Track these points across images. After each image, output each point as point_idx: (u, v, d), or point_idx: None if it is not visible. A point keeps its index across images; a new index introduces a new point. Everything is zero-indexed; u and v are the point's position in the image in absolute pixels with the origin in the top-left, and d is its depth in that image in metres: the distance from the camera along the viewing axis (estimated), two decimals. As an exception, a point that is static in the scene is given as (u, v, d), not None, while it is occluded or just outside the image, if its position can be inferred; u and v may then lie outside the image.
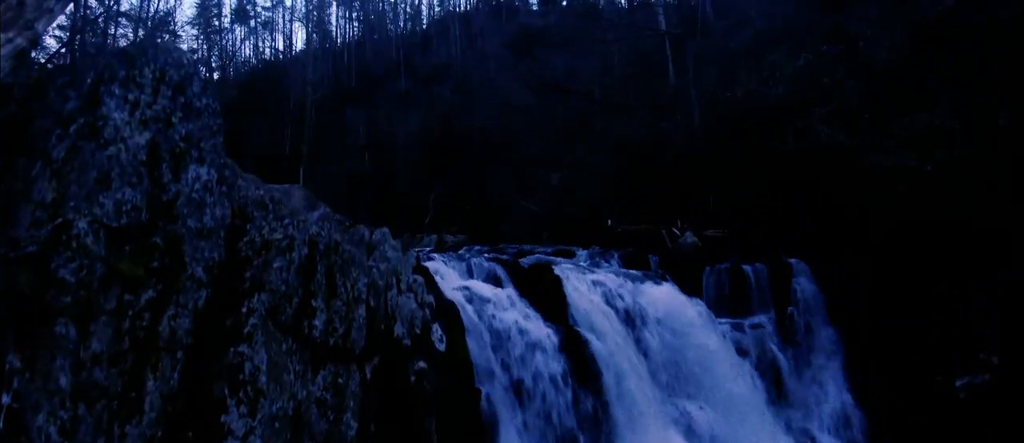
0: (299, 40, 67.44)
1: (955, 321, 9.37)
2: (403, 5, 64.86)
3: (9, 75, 3.60)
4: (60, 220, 3.11)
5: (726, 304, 9.88)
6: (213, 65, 59.41)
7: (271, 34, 65.90)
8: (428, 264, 7.04)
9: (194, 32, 59.25)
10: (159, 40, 49.73)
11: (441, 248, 14.61)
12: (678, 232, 10.61)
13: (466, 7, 60.58)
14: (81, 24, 32.04)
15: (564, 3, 46.33)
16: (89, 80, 3.56)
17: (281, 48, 65.61)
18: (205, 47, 55.69)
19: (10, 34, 3.35)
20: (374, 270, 5.21)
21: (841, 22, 15.08)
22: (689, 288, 9.81)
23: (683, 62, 20.63)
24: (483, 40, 50.04)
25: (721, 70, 20.90)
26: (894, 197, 9.57)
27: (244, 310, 3.79)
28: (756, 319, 9.80)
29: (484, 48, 47.55)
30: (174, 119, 3.80)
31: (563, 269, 7.76)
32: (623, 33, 21.58)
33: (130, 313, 3.22)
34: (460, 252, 9.12)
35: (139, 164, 3.48)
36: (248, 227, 4.07)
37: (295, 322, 4.19)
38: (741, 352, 9.24)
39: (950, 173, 9.18)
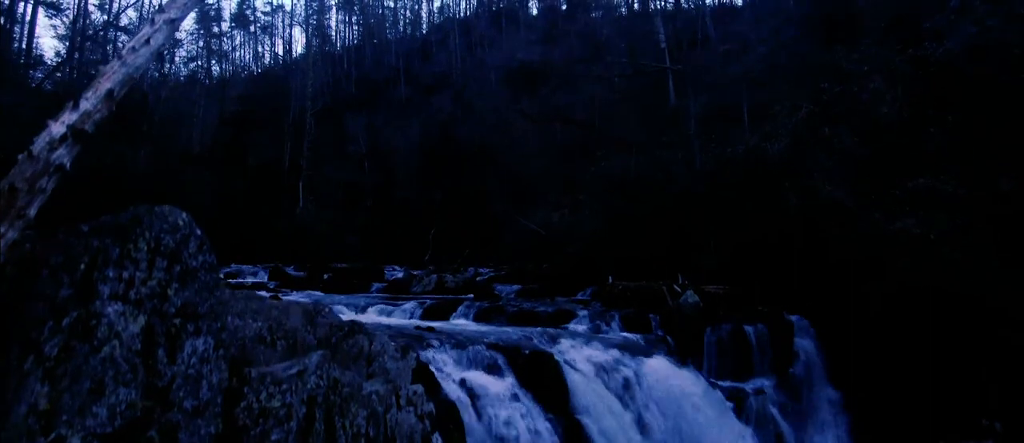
0: (299, 45, 67.24)
1: (957, 386, 9.34)
2: (403, 11, 64.69)
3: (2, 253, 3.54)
4: (54, 434, 3.06)
5: (728, 366, 9.82)
6: (213, 72, 59.28)
7: (271, 39, 65.78)
8: (427, 354, 6.97)
9: (193, 32, 59.06)
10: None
11: (441, 289, 14.56)
12: (679, 289, 10.55)
13: (466, 13, 60.46)
14: (80, 41, 31.99)
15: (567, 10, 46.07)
16: (82, 266, 3.50)
17: (281, 53, 65.45)
18: (205, 54, 55.48)
19: (2, 229, 3.29)
20: (373, 397, 5.14)
21: (840, 64, 15.03)
22: (690, 350, 9.81)
23: (683, 89, 20.57)
24: (483, 50, 49.98)
25: (720, 96, 20.88)
26: (896, 262, 9.53)
27: (242, 482, 3.74)
28: (758, 382, 9.74)
29: (484, 59, 47.49)
30: (170, 292, 3.74)
31: (563, 352, 7.71)
32: (625, 69, 21.47)
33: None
34: (459, 328, 9.04)
35: (134, 355, 3.42)
36: (245, 391, 4.01)
37: (293, 478, 4.13)
38: (743, 418, 9.21)
39: (952, 242, 9.13)
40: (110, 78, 4.16)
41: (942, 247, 9.05)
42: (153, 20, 4.62)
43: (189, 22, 71.78)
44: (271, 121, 43.17)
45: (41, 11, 28.63)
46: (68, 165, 3.75)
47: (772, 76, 19.95)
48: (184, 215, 4.15)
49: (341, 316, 5.97)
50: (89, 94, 4.01)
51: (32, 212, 3.44)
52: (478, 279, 19.06)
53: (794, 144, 11.20)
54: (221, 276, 4.22)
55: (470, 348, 7.15)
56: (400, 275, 19.14)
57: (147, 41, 4.48)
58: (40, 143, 3.64)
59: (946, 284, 8.94)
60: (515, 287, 15.23)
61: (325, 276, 17.13)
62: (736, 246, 11.69)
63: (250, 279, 17.90)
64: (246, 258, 28.67)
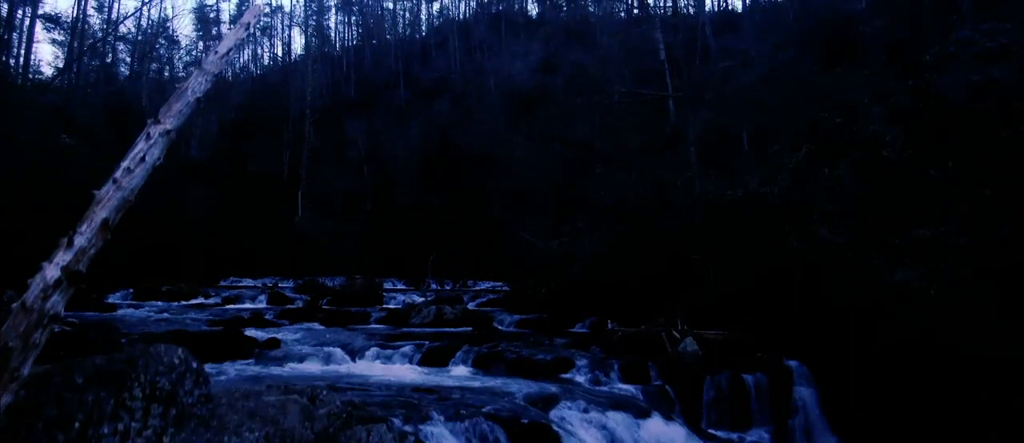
0: (298, 46, 67.04)
1: (959, 439, 9.32)
2: (403, 13, 64.50)
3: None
4: None
5: (727, 417, 9.81)
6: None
7: (270, 40, 65.60)
8: (426, 430, 6.94)
9: (193, 36, 58.96)
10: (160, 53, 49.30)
11: (440, 320, 14.54)
12: (678, 335, 10.54)
13: (466, 15, 60.32)
14: (78, 52, 31.94)
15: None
16: (77, 423, 3.50)
17: (280, 54, 65.27)
18: (204, 55, 55.30)
19: (-5, 398, 3.26)
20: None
21: (840, 91, 14.99)
22: (689, 400, 9.81)
23: (683, 108, 20.51)
24: (483, 54, 49.89)
25: (720, 113, 20.84)
26: (896, 313, 9.50)
27: None
28: (757, 433, 9.74)
29: (484, 64, 47.40)
30: (165, 438, 3.73)
31: (563, 418, 7.70)
32: (625, 97, 21.40)
33: None
34: (458, 383, 9.00)
35: (128, 517, 3.41)
36: (242, 529, 4.00)
37: None
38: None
39: (953, 295, 9.10)
40: (105, 206, 4.12)
41: (943, 301, 9.01)
42: (148, 133, 4.57)
43: (188, 27, 71.67)
44: (271, 128, 43.10)
45: (39, 23, 28.54)
46: (62, 312, 3.71)
47: (772, 96, 19.92)
48: (179, 352, 4.12)
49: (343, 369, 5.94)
50: (83, 228, 3.97)
51: (25, 370, 3.40)
52: (477, 302, 19.08)
53: (794, 185, 11.16)
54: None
55: (468, 421, 7.13)
56: (400, 300, 19.16)
57: (142, 158, 4.44)
58: (33, 291, 3.60)
59: (947, 339, 8.91)
60: (514, 317, 15.23)
61: (323, 303, 17.10)
62: (735, 284, 11.66)
63: (248, 304, 17.86)
64: (246, 269, 28.67)
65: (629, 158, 22.19)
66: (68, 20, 33.65)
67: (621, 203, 18.07)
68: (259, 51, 66.15)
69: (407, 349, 11.04)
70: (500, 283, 26.71)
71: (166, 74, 40.32)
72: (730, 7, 45.44)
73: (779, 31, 24.04)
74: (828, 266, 10.23)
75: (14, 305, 3.59)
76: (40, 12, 27.36)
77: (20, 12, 31.10)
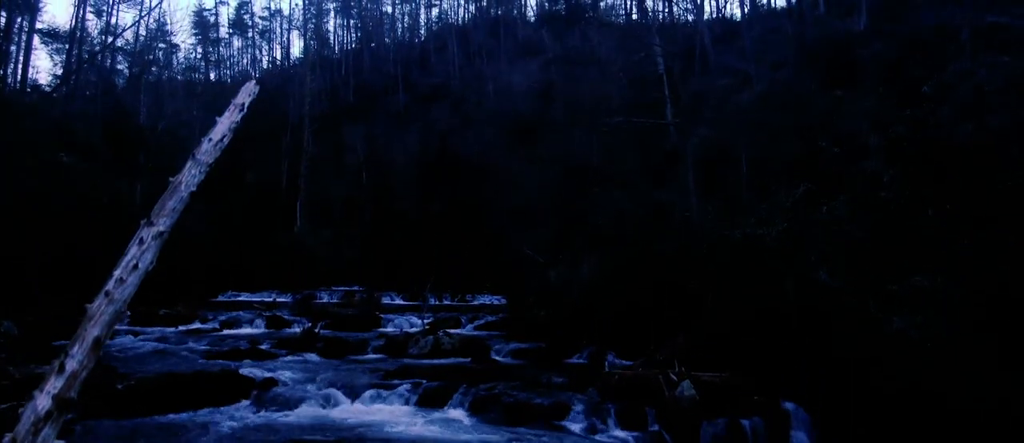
0: (297, 49, 66.97)
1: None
2: (401, 16, 64.42)
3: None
4: None
5: (723, 463, 9.82)
6: (211, 79, 59.12)
7: (268, 44, 65.53)
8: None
9: (192, 41, 58.89)
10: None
11: (437, 351, 14.56)
12: (676, 377, 10.52)
13: (464, 19, 60.23)
14: (76, 63, 31.86)
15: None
16: None
17: (279, 58, 65.17)
18: (203, 64, 55.31)
19: None
20: None
21: (839, 117, 14.96)
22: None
23: (682, 129, 20.49)
24: (481, 60, 49.83)
25: (719, 130, 20.82)
26: (893, 362, 9.49)
27: None
28: (754, 481, 9.75)
29: (482, 71, 47.35)
30: None
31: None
32: (626, 125, 21.35)
33: None
34: (457, 434, 9.00)
35: None
36: None
37: None
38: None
39: (952, 348, 9.09)
40: (97, 323, 4.10)
41: (941, 353, 9.01)
42: (141, 238, 4.55)
43: (186, 34, 71.51)
44: (269, 135, 43.02)
45: (37, 37, 28.47)
46: (53, 444, 3.70)
47: (771, 118, 19.92)
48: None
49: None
50: (75, 350, 3.95)
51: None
52: (474, 325, 19.13)
53: (792, 227, 11.15)
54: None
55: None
56: (397, 324, 19.19)
57: (135, 266, 4.42)
58: (24, 425, 3.58)
59: (944, 390, 8.91)
60: (512, 345, 15.26)
61: (320, 328, 17.12)
62: (733, 322, 11.66)
63: (246, 329, 17.90)
64: (245, 283, 28.67)
65: (628, 177, 22.22)
66: (66, 31, 33.62)
67: (620, 227, 18.11)
68: (258, 55, 66.13)
69: (404, 389, 11.04)
70: (498, 297, 26.76)
71: (164, 74, 40.21)
72: (730, 15, 45.39)
73: (778, 47, 23.98)
74: (826, 311, 10.22)
75: (4, 439, 3.57)
76: (37, 26, 27.33)
77: (18, 21, 31.09)
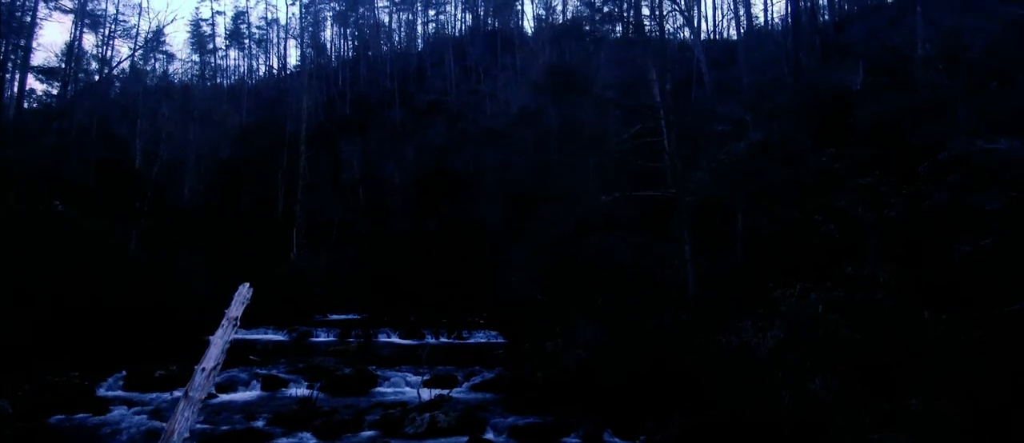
0: (293, 58, 66.70)
1: None
2: (398, 26, 64.17)
3: None
4: None
5: None
6: (208, 85, 58.87)
7: (265, 54, 65.23)
8: None
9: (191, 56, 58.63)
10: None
11: (434, 430, 14.57)
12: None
13: (461, 31, 60.02)
14: (73, 93, 31.71)
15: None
16: None
17: (276, 67, 64.92)
18: (198, 77, 55.07)
19: None
20: None
21: (835, 204, 14.95)
22: None
23: (679, 177, 20.48)
24: (478, 75, 49.72)
25: (716, 182, 20.83)
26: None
27: None
28: None
29: (479, 88, 47.28)
30: None
31: None
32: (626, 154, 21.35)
33: None
34: None
35: None
36: None
37: None
38: None
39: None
40: None
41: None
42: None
43: (184, 47, 70.80)
44: (266, 154, 42.94)
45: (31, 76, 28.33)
46: None
47: (767, 165, 19.95)
48: None
49: None
50: None
51: None
52: (470, 383, 19.16)
53: (788, 331, 11.15)
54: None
55: None
56: (394, 381, 19.21)
57: None
58: None
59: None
60: (509, 420, 15.31)
61: (316, 391, 17.16)
62: (728, 425, 11.67)
63: (241, 393, 17.92)
64: (241, 322, 28.65)
65: (626, 222, 22.24)
66: (61, 57, 33.46)
67: (619, 284, 18.18)
68: (255, 64, 65.87)
69: None
70: (495, 334, 26.99)
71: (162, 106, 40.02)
72: (726, 35, 45.22)
73: (774, 94, 23.96)
74: (822, 427, 10.23)
75: None
76: (32, 64, 27.15)
77: (12, 46, 30.94)
